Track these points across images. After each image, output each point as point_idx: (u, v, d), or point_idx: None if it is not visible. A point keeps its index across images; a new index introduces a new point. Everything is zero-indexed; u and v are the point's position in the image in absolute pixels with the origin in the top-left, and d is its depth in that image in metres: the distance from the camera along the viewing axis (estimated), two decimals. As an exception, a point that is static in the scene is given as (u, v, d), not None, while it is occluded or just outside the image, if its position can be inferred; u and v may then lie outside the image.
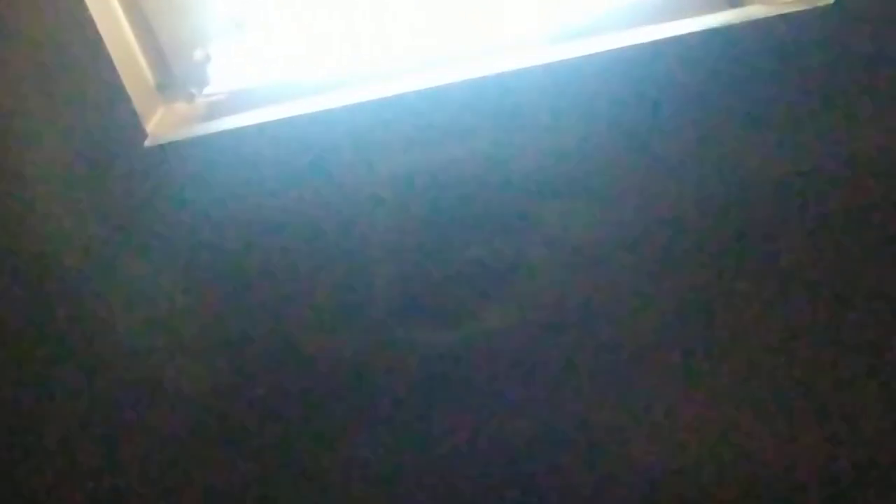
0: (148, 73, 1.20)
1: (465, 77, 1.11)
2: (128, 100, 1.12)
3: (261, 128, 1.13)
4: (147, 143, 1.15)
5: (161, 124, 1.18)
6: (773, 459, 1.24)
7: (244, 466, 1.29)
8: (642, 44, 1.07)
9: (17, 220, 1.16)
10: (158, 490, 1.34)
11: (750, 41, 1.05)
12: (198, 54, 1.19)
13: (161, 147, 1.14)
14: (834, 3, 1.03)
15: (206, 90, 1.20)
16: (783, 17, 1.03)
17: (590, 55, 1.07)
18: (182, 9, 1.16)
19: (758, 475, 1.24)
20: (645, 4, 1.13)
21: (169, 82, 1.21)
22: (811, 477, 1.25)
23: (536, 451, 1.24)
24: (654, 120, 1.09)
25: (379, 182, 1.15)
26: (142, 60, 1.18)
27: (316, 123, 1.12)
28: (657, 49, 1.07)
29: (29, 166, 1.14)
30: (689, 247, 1.15)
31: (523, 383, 1.22)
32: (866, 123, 1.08)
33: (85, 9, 1.07)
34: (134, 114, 1.13)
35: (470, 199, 1.15)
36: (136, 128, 1.14)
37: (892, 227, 1.12)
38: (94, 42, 1.09)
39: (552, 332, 1.19)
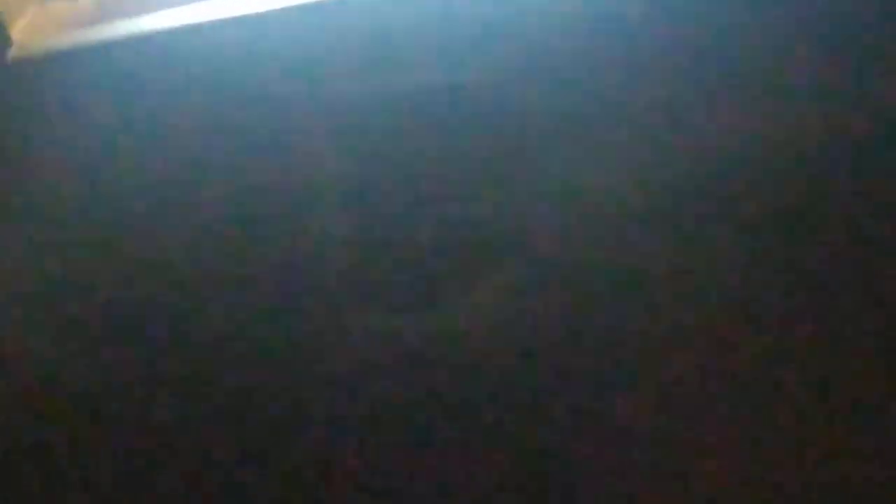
0: (15, -41, 1.10)
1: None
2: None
3: (167, 35, 1.01)
4: (12, 54, 1.06)
5: (31, 29, 1.09)
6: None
7: (135, 484, 1.16)
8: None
9: None
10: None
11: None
12: (84, -67, 1.10)
13: (30, 60, 1.04)
14: None
15: (94, -16, 1.12)
16: None
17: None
18: None
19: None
20: None
21: (43, -28, 1.13)
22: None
23: (516, 490, 1.10)
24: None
25: (327, 112, 1.02)
26: (6, -60, 1.10)
27: (244, 30, 1.00)
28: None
29: None
30: (751, 208, 1.03)
31: (516, 388, 1.06)
32: None
33: None
34: (-6, 15, 1.06)
35: (447, 142, 1.03)
36: (-3, 34, 1.06)
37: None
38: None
39: (553, 324, 1.04)
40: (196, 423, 1.15)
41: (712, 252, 1.07)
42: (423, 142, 1.03)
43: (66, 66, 1.03)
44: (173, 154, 1.03)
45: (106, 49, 1.02)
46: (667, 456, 1.13)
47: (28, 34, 1.06)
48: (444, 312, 1.06)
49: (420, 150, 1.03)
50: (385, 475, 1.13)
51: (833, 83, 1.01)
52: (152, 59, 1.01)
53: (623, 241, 1.05)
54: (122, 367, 1.11)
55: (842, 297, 1.07)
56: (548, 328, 1.04)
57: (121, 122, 1.03)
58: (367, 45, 0.99)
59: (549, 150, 1.04)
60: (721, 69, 1.00)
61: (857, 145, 1.03)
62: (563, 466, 1.11)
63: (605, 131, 1.02)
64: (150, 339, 1.09)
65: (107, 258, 1.08)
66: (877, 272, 1.05)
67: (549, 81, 0.99)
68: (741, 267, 1.06)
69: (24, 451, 1.17)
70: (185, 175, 1.05)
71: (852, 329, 1.07)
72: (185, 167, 1.04)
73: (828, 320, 1.08)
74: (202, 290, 1.07)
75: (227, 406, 1.14)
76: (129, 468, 1.16)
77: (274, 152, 1.04)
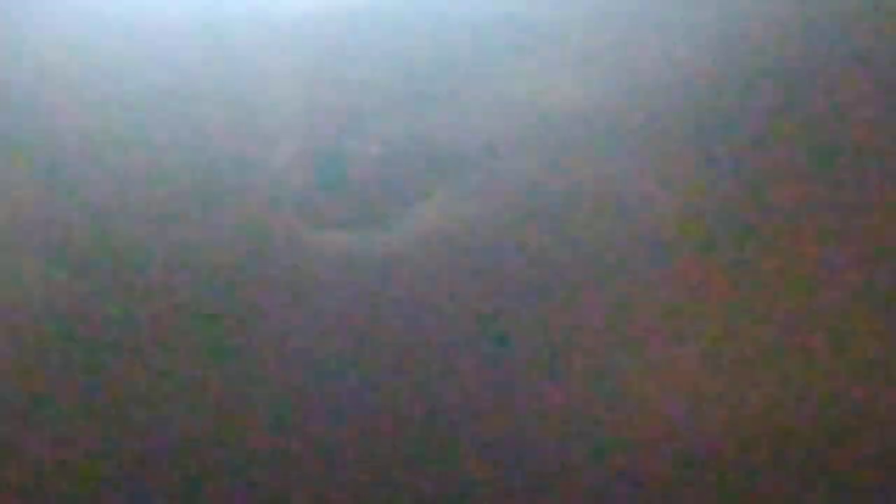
0: None
1: None
2: None
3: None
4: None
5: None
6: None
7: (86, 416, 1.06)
8: None
9: None
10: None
11: None
12: None
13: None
14: None
15: None
16: None
17: None
18: None
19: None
20: None
21: None
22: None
23: (493, 408, 1.00)
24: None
25: (272, 27, 1.00)
26: None
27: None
28: None
29: None
30: (716, 121, 0.98)
31: (471, 302, 0.99)
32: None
33: None
34: None
35: (399, 53, 1.03)
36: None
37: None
38: None
39: (508, 239, 0.99)
40: (150, 342, 1.09)
41: (680, 164, 1.03)
42: (374, 53, 0.99)
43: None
44: (114, 73, 0.98)
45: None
46: (639, 360, 1.10)
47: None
48: (396, 228, 1.02)
49: (372, 62, 1.00)
50: (338, 391, 1.09)
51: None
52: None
53: (582, 152, 1.02)
54: (66, 290, 1.05)
55: (815, 220, 1.04)
56: (503, 242, 1.00)
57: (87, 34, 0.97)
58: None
59: (508, 59, 1.00)
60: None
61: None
62: (526, 380, 1.07)
63: (567, 39, 0.99)
64: (101, 262, 1.03)
65: (42, 191, 1.02)
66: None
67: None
68: (708, 179, 1.04)
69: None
70: (131, 96, 1.01)
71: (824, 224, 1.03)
72: (132, 90, 0.99)
73: (795, 237, 1.05)
74: (152, 212, 1.02)
75: (181, 321, 1.08)
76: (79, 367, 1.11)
77: (217, 70, 1.00)
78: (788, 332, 1.04)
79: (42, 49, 1.01)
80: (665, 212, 1.02)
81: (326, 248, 0.97)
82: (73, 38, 1.02)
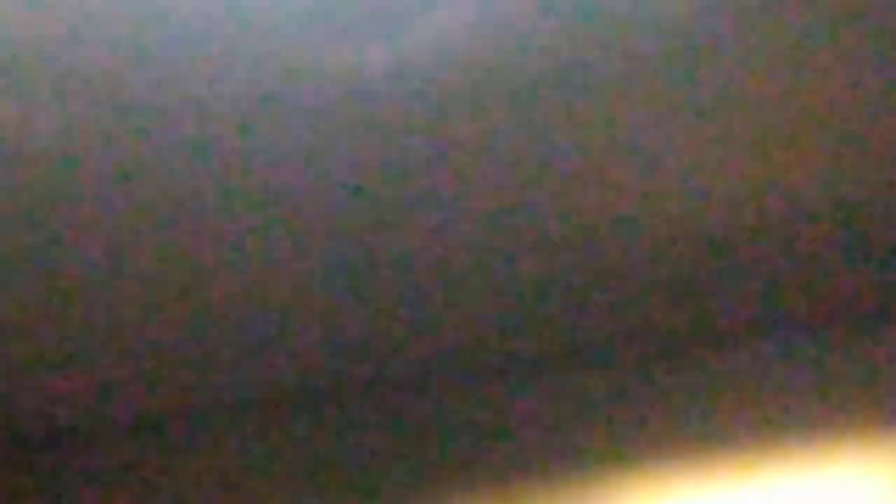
0: None
1: None
2: None
3: None
4: None
5: None
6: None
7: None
8: None
9: None
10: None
11: None
12: None
13: None
14: None
15: None
16: None
17: None
18: None
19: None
20: None
21: None
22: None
23: (516, 198, 1.10)
24: None
25: None
26: None
27: None
28: None
29: None
30: None
31: (488, 108, 0.99)
32: None
33: None
34: None
35: None
36: None
37: None
38: None
39: (529, 38, 0.94)
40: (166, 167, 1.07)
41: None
42: None
43: None
44: None
45: None
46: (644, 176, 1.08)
47: None
48: (401, 40, 0.94)
49: None
50: (349, 203, 1.05)
51: None
52: None
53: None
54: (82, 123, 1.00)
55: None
56: (511, 48, 0.95)
57: None
58: None
59: None
60: None
61: None
62: (541, 175, 1.04)
63: None
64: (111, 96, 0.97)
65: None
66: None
67: None
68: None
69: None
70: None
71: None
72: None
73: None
74: (162, 44, 0.94)
75: (194, 144, 1.03)
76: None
77: None
78: (782, 120, 1.03)
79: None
80: (683, 8, 0.96)
81: (333, 64, 0.93)
82: None
